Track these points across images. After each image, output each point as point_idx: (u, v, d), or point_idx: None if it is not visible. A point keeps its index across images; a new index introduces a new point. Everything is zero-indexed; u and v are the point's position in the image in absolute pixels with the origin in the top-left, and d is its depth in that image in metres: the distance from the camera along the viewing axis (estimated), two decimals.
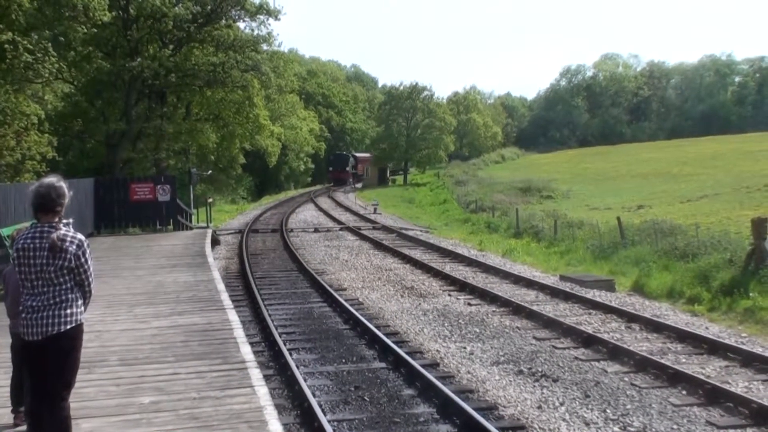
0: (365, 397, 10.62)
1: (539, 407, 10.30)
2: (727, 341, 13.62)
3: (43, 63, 26.21)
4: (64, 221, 5.74)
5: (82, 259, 5.69)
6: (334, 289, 18.98)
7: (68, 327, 5.63)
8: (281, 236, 32.57)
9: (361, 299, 18.38)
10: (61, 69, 29.20)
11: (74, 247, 5.64)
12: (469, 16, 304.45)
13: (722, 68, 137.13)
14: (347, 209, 51.43)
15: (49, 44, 27.23)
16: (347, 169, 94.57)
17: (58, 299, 5.62)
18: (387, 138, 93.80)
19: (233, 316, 11.85)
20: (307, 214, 47.65)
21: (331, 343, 13.87)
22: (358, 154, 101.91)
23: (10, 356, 7.22)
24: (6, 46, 25.61)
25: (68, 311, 5.65)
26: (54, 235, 5.59)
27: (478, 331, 14.96)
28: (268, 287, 19.97)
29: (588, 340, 13.70)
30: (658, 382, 11.31)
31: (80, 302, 5.79)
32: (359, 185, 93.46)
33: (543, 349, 13.42)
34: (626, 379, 11.56)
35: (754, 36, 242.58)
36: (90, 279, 5.84)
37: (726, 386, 10.73)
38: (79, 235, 5.76)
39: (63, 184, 5.76)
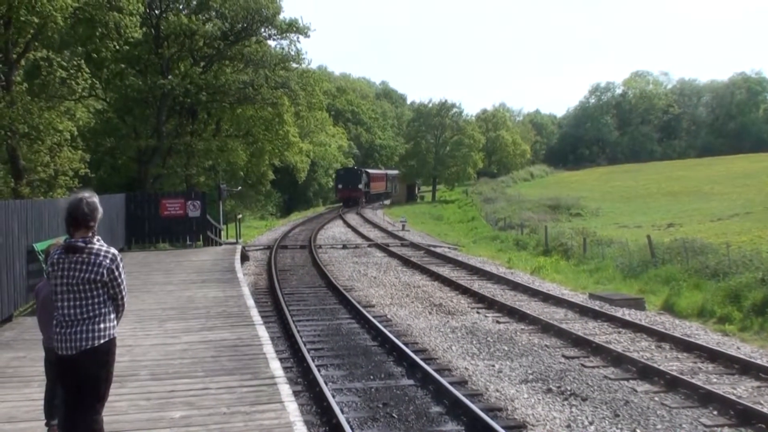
0: (393, 414, 10.61)
1: (568, 426, 10.24)
2: (759, 361, 13.48)
3: (77, 79, 26.58)
4: (95, 237, 5.80)
5: (116, 273, 5.74)
6: (363, 306, 18.99)
7: (102, 341, 5.68)
8: (310, 252, 32.64)
9: (389, 316, 18.38)
10: (94, 85, 29.58)
11: (108, 261, 5.69)
12: (499, 34, 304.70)
13: (753, 86, 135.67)
14: (375, 226, 51.45)
15: (82, 61, 27.63)
16: (359, 187, 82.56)
17: (91, 313, 5.66)
18: (415, 155, 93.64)
19: (263, 332, 11.91)
20: (335, 230, 47.73)
21: (360, 359, 13.87)
22: (371, 171, 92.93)
23: (44, 370, 7.30)
24: (41, 62, 26.05)
25: (101, 325, 5.69)
26: (75, 244, 5.67)
27: (506, 348, 14.91)
28: (296, 303, 20.01)
29: (617, 359, 13.62)
30: (688, 402, 11.20)
31: (113, 316, 5.83)
32: (387, 201, 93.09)
33: (572, 368, 13.34)
34: (656, 398, 11.47)
35: None
36: (123, 293, 5.88)
37: (758, 407, 10.62)
38: (113, 249, 5.81)
39: (95, 199, 5.82)
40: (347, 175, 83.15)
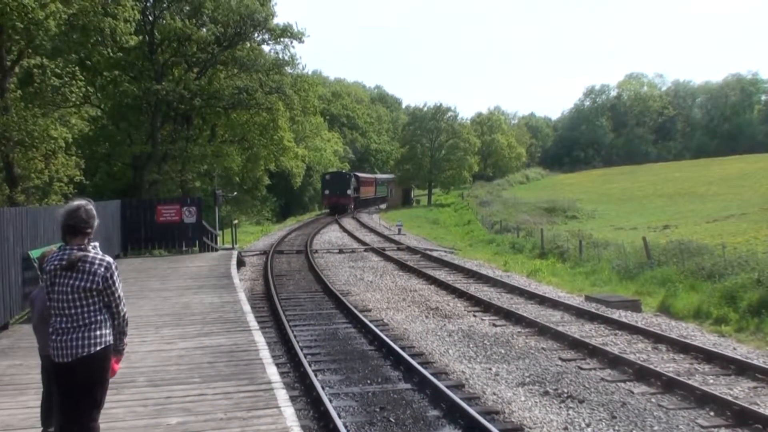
0: (390, 418, 10.59)
1: (565, 429, 10.24)
2: (755, 362, 13.49)
3: (71, 87, 26.53)
4: (92, 244, 5.79)
5: (110, 281, 5.72)
6: (359, 310, 18.98)
7: (98, 349, 5.66)
8: (306, 257, 32.62)
9: (386, 320, 18.36)
10: (88, 93, 29.53)
11: (102, 269, 5.67)
12: (493, 38, 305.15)
13: (747, 87, 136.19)
14: (371, 230, 51.46)
15: (76, 68, 27.58)
16: (348, 192, 76.21)
17: (86, 321, 5.65)
18: (411, 159, 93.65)
19: (259, 338, 11.89)
20: (331, 235, 47.71)
21: (356, 364, 13.85)
22: (360, 175, 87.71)
23: (41, 377, 7.29)
24: (34, 70, 26.00)
25: (97, 333, 5.68)
26: (74, 255, 5.65)
27: (503, 352, 14.91)
28: (293, 308, 19.99)
29: (614, 361, 13.62)
30: (685, 404, 11.21)
31: (108, 324, 5.82)
32: (384, 206, 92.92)
33: (569, 370, 13.34)
34: (653, 400, 11.47)
35: None
36: (118, 301, 5.85)
37: (754, 407, 10.63)
38: (108, 258, 5.79)
39: (92, 207, 5.82)
40: (335, 180, 76.56)
